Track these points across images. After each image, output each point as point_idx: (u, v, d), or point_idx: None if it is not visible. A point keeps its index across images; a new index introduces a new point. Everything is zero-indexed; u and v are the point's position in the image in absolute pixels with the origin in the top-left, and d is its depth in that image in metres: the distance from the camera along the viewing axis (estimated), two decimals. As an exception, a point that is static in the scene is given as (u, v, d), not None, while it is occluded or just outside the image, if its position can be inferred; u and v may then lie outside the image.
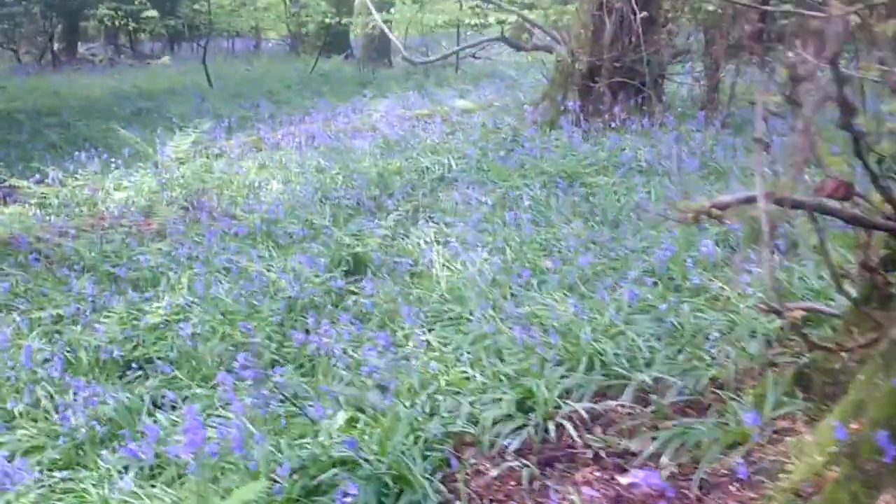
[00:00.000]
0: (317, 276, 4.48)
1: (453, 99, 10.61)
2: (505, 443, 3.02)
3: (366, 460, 2.78)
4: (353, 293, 4.61)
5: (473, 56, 13.84)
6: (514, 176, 6.51)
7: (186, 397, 3.57)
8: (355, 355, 3.45)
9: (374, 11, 9.20)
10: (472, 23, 12.53)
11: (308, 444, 2.96)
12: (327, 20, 17.50)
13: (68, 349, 3.99)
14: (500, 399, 3.23)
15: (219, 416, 3.37)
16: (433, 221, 5.54)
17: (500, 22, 11.32)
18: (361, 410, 2.95)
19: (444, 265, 4.80)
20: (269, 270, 4.70)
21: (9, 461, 3.01)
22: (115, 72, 22.01)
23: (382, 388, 3.06)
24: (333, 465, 2.82)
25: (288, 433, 3.09)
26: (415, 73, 15.55)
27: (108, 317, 4.19)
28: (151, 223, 6.14)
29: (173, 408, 3.56)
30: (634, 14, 7.69)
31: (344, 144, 8.04)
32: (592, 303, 4.02)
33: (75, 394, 3.60)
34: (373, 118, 9.39)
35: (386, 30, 9.49)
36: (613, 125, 7.55)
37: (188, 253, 4.89)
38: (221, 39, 25.90)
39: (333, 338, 3.53)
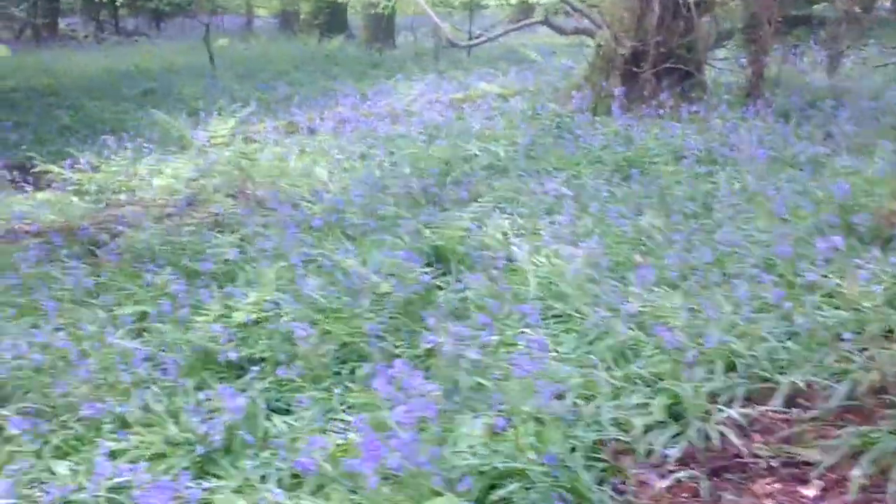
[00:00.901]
0: (412, 271, 4.33)
1: (478, 83, 10.42)
2: (665, 451, 2.92)
3: (534, 472, 2.67)
4: (440, 288, 4.49)
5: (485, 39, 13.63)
6: (572, 164, 6.38)
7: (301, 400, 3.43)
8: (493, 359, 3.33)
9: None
10: (495, 4, 12.36)
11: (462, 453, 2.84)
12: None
13: (163, 349, 3.83)
14: (647, 404, 3.13)
15: (339, 419, 3.26)
16: (507, 212, 5.40)
17: (519, 3, 11.14)
18: (538, 419, 2.83)
19: (529, 259, 4.68)
20: (354, 265, 4.54)
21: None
22: (102, 49, 21.46)
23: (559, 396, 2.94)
24: (500, 478, 2.72)
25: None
26: (423, 55, 15.31)
27: (201, 314, 4.02)
28: (205, 212, 5.95)
29: (287, 411, 3.44)
30: (681, -3, 7.58)
31: (385, 130, 7.85)
32: (704, 300, 3.91)
33: (185, 396, 3.47)
34: (404, 102, 9.19)
35: (431, 13, 9.26)
36: (661, 112, 7.43)
37: (272, 246, 4.71)
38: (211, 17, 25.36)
39: (467, 339, 3.40)
